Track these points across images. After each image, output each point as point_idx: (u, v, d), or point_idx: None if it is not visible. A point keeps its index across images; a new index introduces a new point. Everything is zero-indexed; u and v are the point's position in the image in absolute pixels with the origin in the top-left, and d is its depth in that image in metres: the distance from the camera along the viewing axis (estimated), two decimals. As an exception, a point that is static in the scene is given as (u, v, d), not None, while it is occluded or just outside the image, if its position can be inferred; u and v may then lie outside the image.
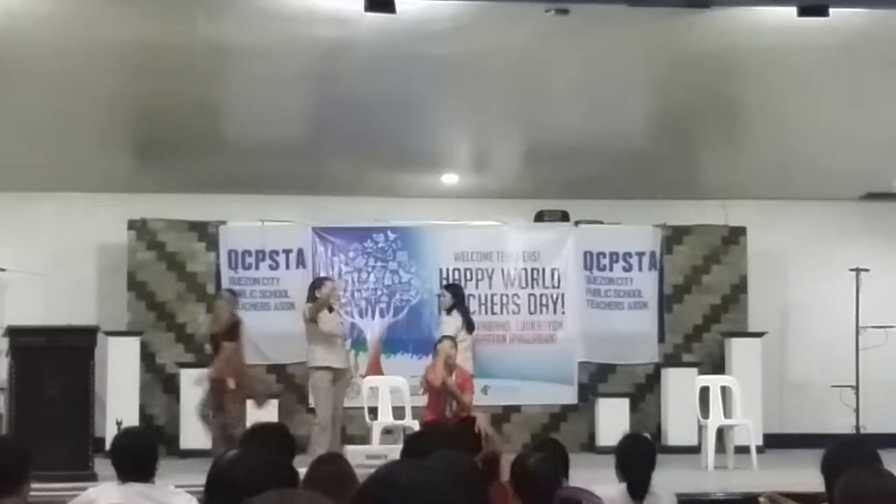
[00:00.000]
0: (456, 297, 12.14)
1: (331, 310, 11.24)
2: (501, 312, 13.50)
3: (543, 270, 13.57)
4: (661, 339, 13.74)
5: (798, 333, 14.24)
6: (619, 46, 10.92)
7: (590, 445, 13.12)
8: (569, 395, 13.51)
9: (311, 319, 11.03)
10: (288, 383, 13.18)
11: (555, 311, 13.56)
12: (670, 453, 11.86)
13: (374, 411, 11.96)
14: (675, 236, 13.90)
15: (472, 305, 13.12)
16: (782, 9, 9.95)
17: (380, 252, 13.43)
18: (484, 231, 13.68)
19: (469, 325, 11.94)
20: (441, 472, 2.29)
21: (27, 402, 9.76)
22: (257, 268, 13.28)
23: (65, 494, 6.05)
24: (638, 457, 6.11)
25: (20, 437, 8.75)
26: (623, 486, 6.02)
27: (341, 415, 11.33)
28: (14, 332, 10.12)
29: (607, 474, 6.28)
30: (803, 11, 9.72)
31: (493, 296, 13.50)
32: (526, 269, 13.56)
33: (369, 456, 9.88)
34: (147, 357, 12.92)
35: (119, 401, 12.08)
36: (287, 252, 13.31)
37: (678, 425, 12.98)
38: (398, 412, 11.96)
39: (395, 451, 9.24)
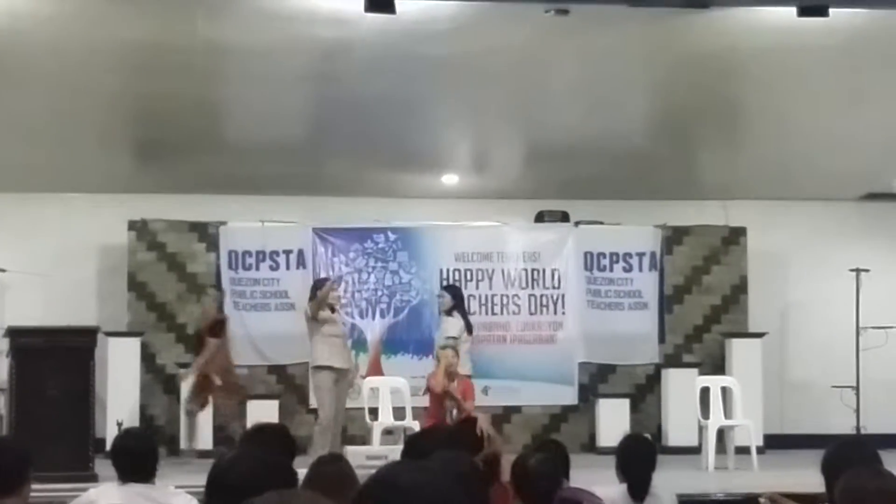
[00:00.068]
0: (455, 297, 12.14)
1: (333, 310, 11.24)
2: (502, 313, 13.50)
3: (544, 271, 13.57)
4: (662, 339, 13.74)
5: (798, 334, 14.24)
6: (619, 47, 10.91)
7: (590, 446, 13.12)
8: (569, 396, 13.51)
9: (313, 317, 11.02)
10: (288, 384, 13.18)
11: (555, 312, 13.56)
12: (671, 454, 11.87)
13: (374, 412, 11.96)
14: (675, 237, 13.90)
15: (473, 306, 13.13)
16: (782, 9, 9.95)
17: (380, 253, 13.43)
18: (484, 231, 13.68)
19: (468, 327, 11.96)
20: (441, 473, 2.29)
21: (27, 403, 9.76)
22: (257, 268, 13.28)
23: (65, 495, 6.04)
24: (638, 457, 6.11)
25: (20, 437, 8.75)
26: (623, 486, 6.02)
27: (343, 415, 11.33)
28: (14, 333, 10.12)
29: (608, 475, 6.28)
30: (803, 12, 9.72)
31: (493, 296, 13.50)
32: (526, 270, 13.56)
33: (370, 457, 9.88)
34: (147, 358, 12.92)
35: (119, 401, 12.08)
36: (287, 252, 13.31)
37: (678, 426, 12.98)
38: (399, 413, 11.95)
39: (395, 452, 9.24)
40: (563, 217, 13.78)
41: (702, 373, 12.96)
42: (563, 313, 13.56)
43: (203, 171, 13.03)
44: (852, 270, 13.70)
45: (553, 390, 13.48)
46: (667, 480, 6.31)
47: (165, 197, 13.27)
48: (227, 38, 10.55)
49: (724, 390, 12.15)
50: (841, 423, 13.07)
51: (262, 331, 13.08)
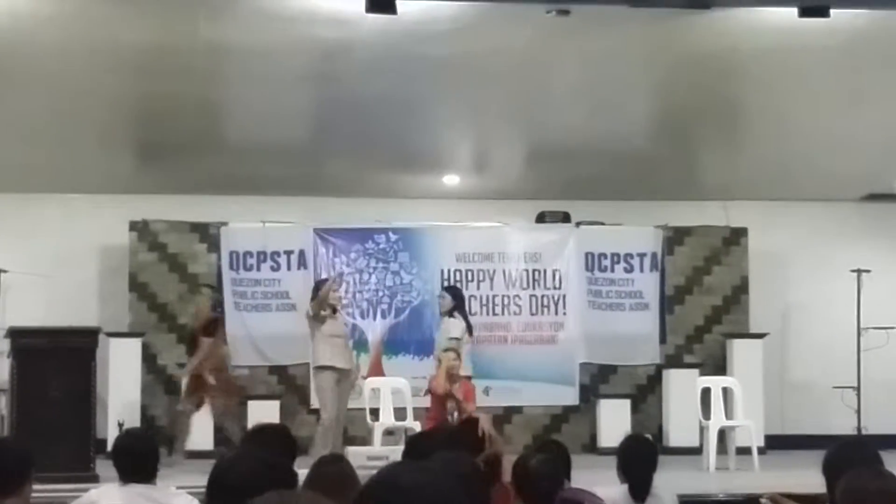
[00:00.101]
0: (456, 298, 12.14)
1: (335, 311, 11.24)
2: (503, 313, 13.50)
3: (545, 271, 13.57)
4: (663, 340, 13.74)
5: (799, 334, 14.24)
6: (620, 47, 10.91)
7: (591, 446, 13.13)
8: (570, 396, 13.51)
9: (314, 316, 11.02)
10: (289, 384, 13.19)
11: (556, 313, 13.56)
12: (672, 454, 11.87)
13: (375, 412, 11.96)
14: (676, 237, 13.91)
15: (474, 306, 13.15)
16: (783, 10, 9.94)
17: (381, 253, 13.43)
18: (485, 232, 13.68)
19: (469, 329, 11.97)
20: (442, 474, 2.29)
21: (29, 404, 9.76)
22: (258, 269, 13.27)
23: (66, 495, 6.04)
24: (639, 458, 6.10)
25: (22, 438, 8.75)
26: (624, 487, 6.02)
27: (344, 415, 11.33)
28: (16, 334, 10.13)
29: (609, 475, 6.28)
30: (804, 12, 9.71)
31: (494, 297, 13.50)
32: (527, 270, 13.56)
33: (371, 457, 9.88)
34: (148, 358, 12.92)
35: (120, 402, 12.09)
36: (288, 253, 13.31)
37: (679, 426, 12.99)
38: (399, 413, 11.96)
39: (396, 453, 9.25)
40: (564, 217, 13.78)
41: (703, 373, 12.96)
42: (564, 314, 13.56)
43: (204, 172, 13.03)
44: (853, 271, 13.70)
45: (554, 391, 13.49)
46: (668, 481, 6.31)
47: (166, 197, 13.27)
48: (227, 38, 10.56)
49: (725, 391, 12.15)
50: (842, 424, 13.07)
51: (263, 331, 13.08)
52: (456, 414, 10.27)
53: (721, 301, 13.89)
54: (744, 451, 11.51)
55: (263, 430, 4.99)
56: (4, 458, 4.30)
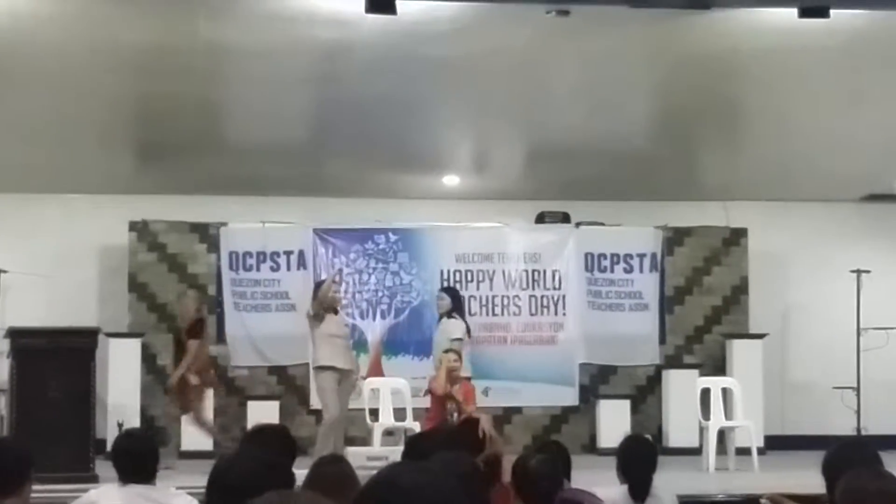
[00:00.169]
0: (455, 299, 12.15)
1: (336, 312, 11.23)
2: (502, 314, 13.50)
3: (544, 272, 13.58)
4: (662, 340, 13.74)
5: (799, 335, 14.24)
6: (620, 48, 10.91)
7: (591, 447, 13.13)
8: (570, 397, 13.51)
9: (315, 315, 11.00)
10: (289, 385, 13.19)
11: (556, 313, 13.56)
12: (671, 455, 11.87)
13: (375, 413, 11.96)
14: (675, 238, 13.91)
15: (473, 307, 13.17)
16: (783, 10, 9.94)
17: (381, 253, 13.43)
18: (485, 232, 13.68)
19: (468, 330, 11.99)
20: (442, 474, 2.29)
21: (28, 404, 9.76)
22: (258, 269, 13.28)
23: (66, 496, 6.04)
24: (639, 458, 6.10)
25: (21, 438, 8.74)
26: (624, 487, 6.01)
27: (345, 416, 11.31)
28: (15, 334, 10.12)
29: (608, 476, 6.29)
30: (804, 13, 9.71)
31: (493, 297, 13.50)
32: (527, 271, 13.56)
33: (370, 458, 9.88)
34: (148, 359, 12.92)
35: (120, 402, 12.08)
36: (288, 253, 13.32)
37: (679, 427, 12.99)
38: (399, 414, 11.96)
39: (396, 453, 9.25)
40: (564, 218, 13.78)
41: (702, 374, 12.96)
42: (564, 314, 13.56)
43: (204, 172, 13.03)
44: (853, 271, 13.70)
45: (554, 391, 13.49)
46: (667, 481, 6.31)
47: (166, 198, 13.28)
48: (227, 39, 10.56)
49: (725, 391, 12.15)
50: (842, 424, 13.07)
51: (262, 332, 13.08)
52: (456, 414, 10.27)
53: (721, 301, 13.89)
54: (743, 452, 11.51)
55: (263, 430, 4.99)
56: (4, 458, 4.30)
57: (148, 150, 12.93)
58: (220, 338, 13.12)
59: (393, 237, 13.46)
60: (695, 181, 13.90)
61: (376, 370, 13.08)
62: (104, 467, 8.24)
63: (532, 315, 13.53)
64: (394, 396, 12.09)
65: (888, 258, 14.22)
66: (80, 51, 10.59)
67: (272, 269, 13.29)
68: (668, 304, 13.79)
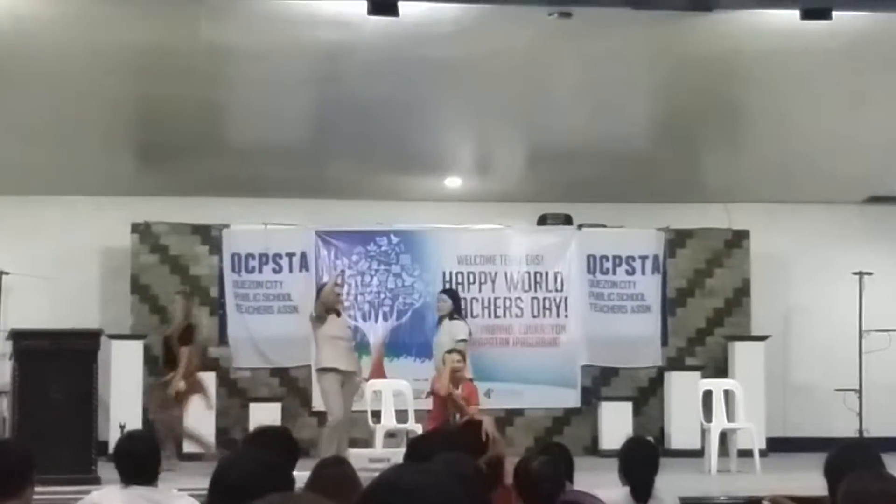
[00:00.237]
0: (455, 301, 12.16)
1: (338, 314, 11.22)
2: (504, 316, 13.50)
3: (546, 274, 13.57)
4: (665, 342, 13.74)
5: (801, 337, 14.23)
6: (622, 50, 10.92)
7: (593, 449, 13.12)
8: (572, 399, 13.50)
9: (318, 317, 10.99)
10: (291, 387, 13.18)
11: (558, 315, 13.56)
12: (673, 457, 11.85)
13: (377, 415, 11.96)
14: (678, 239, 13.90)
15: (475, 309, 13.18)
16: (785, 12, 9.94)
17: (383, 255, 13.43)
18: (487, 234, 13.68)
19: (469, 331, 12.00)
20: (444, 476, 2.29)
21: (31, 406, 9.76)
22: (260, 271, 13.28)
23: (68, 498, 6.05)
24: (641, 460, 6.10)
25: (23, 439, 8.74)
26: (626, 489, 6.01)
27: (349, 418, 11.29)
28: (18, 336, 10.13)
29: (610, 478, 6.28)
30: (806, 14, 9.72)
31: (496, 299, 13.50)
32: (529, 273, 13.56)
33: (372, 459, 9.89)
34: (150, 360, 12.90)
35: (122, 404, 12.06)
36: (290, 255, 13.32)
37: (681, 429, 12.98)
38: (401, 416, 11.96)
39: (398, 455, 9.25)
40: (566, 220, 13.77)
41: (704, 376, 12.95)
42: (566, 316, 13.56)
43: (206, 174, 13.03)
44: (855, 273, 13.68)
45: (556, 393, 13.48)
46: (669, 483, 6.31)
47: (168, 199, 13.28)
48: (229, 40, 10.56)
49: (727, 393, 12.14)
50: (844, 427, 13.06)
51: (264, 333, 13.08)
52: (458, 415, 10.27)
53: (723, 303, 13.88)
54: (745, 454, 11.51)
55: (265, 432, 4.99)
56: (6, 459, 4.30)
57: (149, 152, 12.93)
58: (223, 339, 13.13)
59: (395, 239, 13.46)
60: (697, 183, 13.90)
61: (378, 372, 13.08)
62: (106, 469, 8.24)
63: (534, 317, 13.53)
64: (396, 398, 12.09)
65: (890, 260, 14.20)
66: (81, 52, 10.60)
67: (274, 271, 13.29)
68: (670, 306, 13.79)
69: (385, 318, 13.38)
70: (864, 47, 10.73)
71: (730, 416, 12.00)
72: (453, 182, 13.99)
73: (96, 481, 8.90)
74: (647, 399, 13.60)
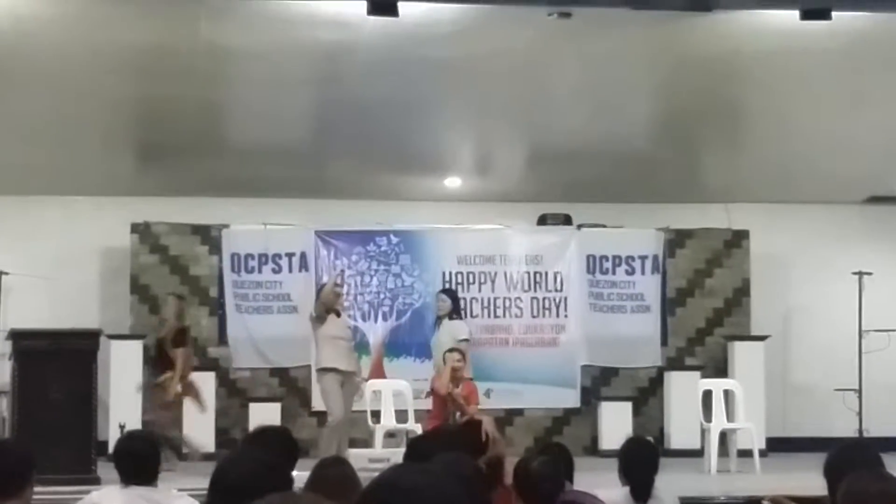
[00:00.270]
0: (455, 301, 12.16)
1: (338, 314, 11.22)
2: (504, 316, 13.50)
3: (546, 274, 13.57)
4: (664, 342, 13.74)
5: (801, 337, 14.23)
6: (622, 50, 10.92)
7: (592, 449, 13.12)
8: (571, 399, 13.50)
9: (317, 317, 10.99)
10: (291, 387, 13.18)
11: (557, 315, 13.56)
12: (673, 457, 11.85)
13: (376, 415, 11.96)
14: (677, 239, 13.90)
15: (475, 309, 13.19)
16: (784, 12, 9.95)
17: (382, 255, 13.43)
18: (487, 234, 13.68)
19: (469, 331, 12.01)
20: (444, 475, 2.29)
21: (30, 406, 9.76)
22: (260, 271, 13.28)
23: (68, 498, 6.06)
24: (641, 460, 6.10)
25: (23, 440, 8.74)
26: (626, 489, 6.01)
27: (349, 418, 11.28)
28: (17, 336, 10.13)
29: (610, 478, 6.28)
30: (806, 15, 9.72)
31: (495, 299, 13.50)
32: (529, 273, 13.56)
33: (372, 459, 9.88)
34: (150, 361, 12.88)
35: (122, 404, 12.05)
36: (290, 255, 13.32)
37: (681, 429, 12.98)
38: (401, 416, 11.96)
39: (397, 455, 9.24)
40: (566, 220, 13.77)
41: (704, 376, 12.95)
42: (566, 316, 13.56)
43: (206, 174, 13.03)
44: (855, 273, 13.68)
45: (555, 393, 13.48)
46: (669, 483, 6.31)
47: (168, 200, 13.27)
48: (229, 40, 10.56)
49: (727, 393, 12.14)
50: (843, 427, 13.06)
51: (264, 334, 13.08)
52: (458, 414, 10.27)
53: (722, 303, 13.88)
54: (745, 454, 11.51)
55: (265, 432, 4.99)
56: (6, 460, 4.30)
57: (149, 152, 12.93)
58: (222, 340, 13.13)
59: (395, 239, 13.46)
60: (696, 183, 13.90)
61: (378, 372, 13.08)
62: (106, 469, 8.24)
63: (534, 317, 13.53)
64: (395, 398, 12.09)
65: (890, 260, 14.21)
66: (81, 52, 10.60)
67: (274, 271, 13.29)
68: (669, 306, 13.79)
69: (385, 319, 13.38)
70: (863, 47, 10.73)
71: (729, 416, 12.01)
72: (453, 182, 13.99)
73: (96, 481, 8.90)
74: (646, 399, 13.60)
